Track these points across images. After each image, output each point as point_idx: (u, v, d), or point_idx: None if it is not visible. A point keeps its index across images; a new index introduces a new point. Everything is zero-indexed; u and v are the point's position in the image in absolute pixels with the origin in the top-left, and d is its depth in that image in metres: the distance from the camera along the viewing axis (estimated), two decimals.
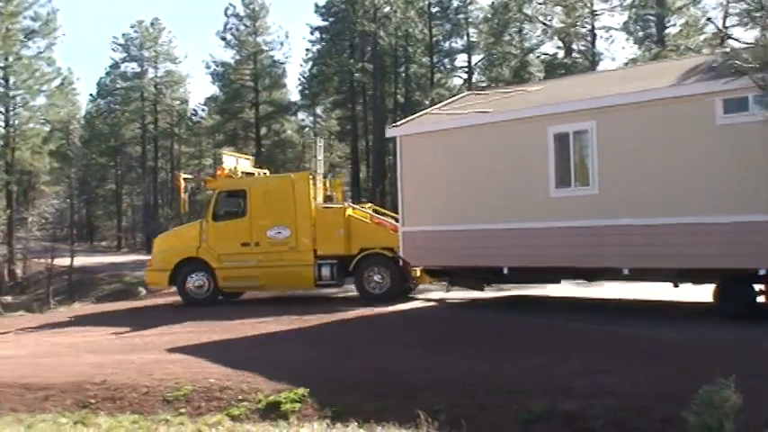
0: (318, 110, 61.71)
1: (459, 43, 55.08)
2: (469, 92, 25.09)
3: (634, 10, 45.55)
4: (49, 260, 39.74)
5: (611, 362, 10.81)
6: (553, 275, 17.42)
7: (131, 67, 63.88)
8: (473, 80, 53.40)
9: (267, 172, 24.97)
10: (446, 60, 55.95)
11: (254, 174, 23.12)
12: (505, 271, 16.62)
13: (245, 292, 22.44)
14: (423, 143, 18.07)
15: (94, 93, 65.17)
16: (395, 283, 20.20)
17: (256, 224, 20.88)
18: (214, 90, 62.96)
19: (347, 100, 56.22)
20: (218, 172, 22.11)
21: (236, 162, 22.73)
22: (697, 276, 14.64)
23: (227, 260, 20.90)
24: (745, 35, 33.83)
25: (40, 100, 52.59)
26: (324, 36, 56.29)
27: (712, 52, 16.71)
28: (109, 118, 64.18)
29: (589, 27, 48.30)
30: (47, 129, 54.05)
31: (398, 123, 19.92)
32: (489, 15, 52.37)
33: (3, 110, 50.38)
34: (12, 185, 48.49)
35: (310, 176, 21.33)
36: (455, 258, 17.47)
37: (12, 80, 50.37)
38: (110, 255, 57.56)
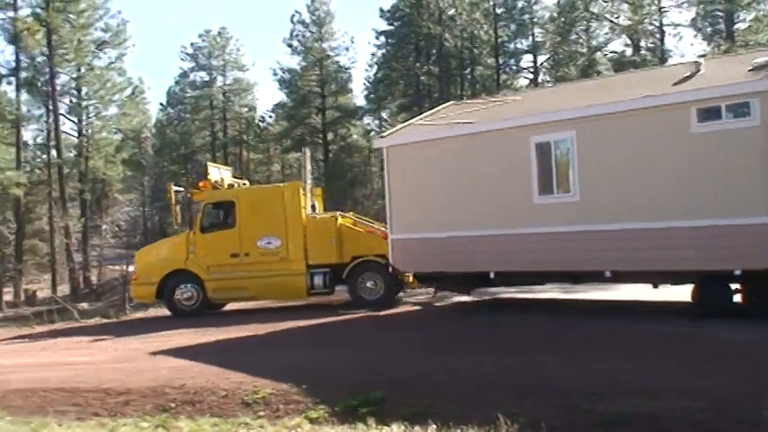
0: (384, 114, 61.85)
1: (524, 44, 54.86)
2: (451, 102, 25.35)
3: (702, 6, 44.81)
4: (124, 267, 40.40)
5: (680, 363, 10.66)
6: (538, 279, 18.15)
7: (200, 75, 64.87)
8: (539, 80, 52.96)
9: (247, 183, 24.93)
10: (512, 61, 55.68)
11: (233, 185, 23.09)
12: (492, 276, 17.33)
13: (227, 304, 22.45)
14: (409, 153, 18.75)
15: (165, 102, 66.25)
16: (388, 289, 20.52)
17: (246, 235, 20.92)
18: (281, 97, 63.63)
19: (413, 103, 56.18)
20: (201, 184, 22.18)
21: (220, 174, 22.82)
22: (676, 278, 15.24)
23: (217, 271, 20.94)
24: None
25: (112, 109, 53.96)
26: (389, 40, 56.40)
27: (693, 62, 16.95)
28: (179, 126, 65.20)
29: (657, 24, 47.56)
30: (119, 138, 55.07)
31: (385, 134, 20.60)
32: (555, 15, 51.97)
33: (76, 120, 51.56)
34: (86, 194, 49.58)
35: (301, 187, 21.42)
36: (443, 264, 18.11)
37: (84, 90, 51.58)
38: None
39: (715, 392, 8.96)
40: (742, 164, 13.59)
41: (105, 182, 52.79)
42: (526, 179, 16.46)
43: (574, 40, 52.28)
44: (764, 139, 13.37)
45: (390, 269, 19.50)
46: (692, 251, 14.08)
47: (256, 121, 67.32)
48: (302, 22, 59.40)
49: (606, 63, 49.35)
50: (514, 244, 16.58)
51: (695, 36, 49.77)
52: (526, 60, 55.50)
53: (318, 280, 20.73)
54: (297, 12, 59.42)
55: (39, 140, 53.69)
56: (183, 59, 64.72)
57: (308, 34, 59.47)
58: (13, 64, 47.65)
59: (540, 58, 54.56)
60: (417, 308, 20.10)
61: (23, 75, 47.90)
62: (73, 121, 51.76)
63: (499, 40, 53.34)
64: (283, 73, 60.63)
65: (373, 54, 58.14)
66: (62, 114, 49.50)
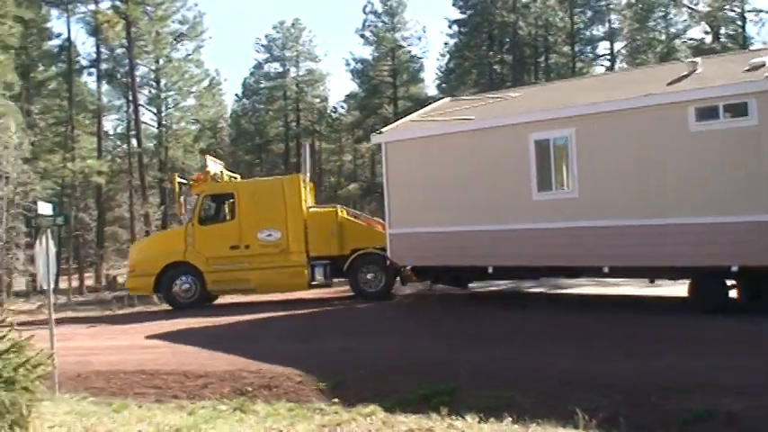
0: None
1: (600, 30, 53.83)
2: (447, 98, 25.43)
3: None
4: None
5: (752, 359, 10.49)
6: (534, 273, 18.37)
7: (274, 67, 65.28)
8: (615, 68, 52.12)
9: (238, 177, 24.86)
10: (587, 48, 54.81)
11: (234, 178, 23.33)
12: (490, 270, 17.48)
13: (219, 297, 22.52)
14: (408, 149, 18.97)
15: (240, 93, 66.91)
16: (389, 281, 20.69)
17: (246, 227, 21.02)
18: (353, 87, 63.77)
19: (486, 92, 55.70)
20: (198, 176, 22.52)
21: (220, 167, 22.95)
22: (673, 273, 15.48)
23: (216, 263, 20.98)
24: None
25: (190, 100, 54.77)
26: (462, 29, 56.03)
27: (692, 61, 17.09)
28: (254, 117, 65.83)
29: (738, 10, 46.33)
30: (196, 128, 55.98)
31: (383, 130, 20.67)
32: (633, 1, 50.93)
33: (155, 110, 52.56)
34: (165, 182, 50.54)
35: (302, 179, 21.52)
36: (442, 258, 18.32)
37: (163, 82, 52.47)
38: None
39: None
40: (740, 162, 13.75)
41: (183, 171, 53.65)
42: (525, 176, 16.64)
43: (652, 26, 51.24)
44: (762, 138, 13.55)
45: (388, 263, 19.73)
46: (689, 248, 14.29)
47: (328, 112, 67.63)
48: (374, 13, 59.44)
49: (685, 50, 48.18)
50: (513, 239, 16.77)
51: None
52: (602, 48, 54.60)
53: (319, 272, 20.93)
54: (369, 2, 59.41)
55: (119, 130, 55.02)
56: (257, 51, 65.15)
57: (381, 24, 59.45)
58: (95, 56, 48.99)
59: (617, 46, 53.60)
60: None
61: (104, 66, 49.11)
62: (152, 112, 52.81)
63: (575, 26, 52.55)
64: (355, 63, 60.76)
65: (446, 43, 57.90)
66: (142, 105, 50.55)
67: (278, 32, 64.31)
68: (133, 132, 50.23)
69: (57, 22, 49.08)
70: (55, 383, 10.89)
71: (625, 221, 15.09)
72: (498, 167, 17.14)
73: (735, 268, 13.85)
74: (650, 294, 17.45)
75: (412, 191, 18.67)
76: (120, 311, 23.06)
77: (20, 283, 36.86)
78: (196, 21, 52.25)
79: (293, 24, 64.40)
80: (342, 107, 67.76)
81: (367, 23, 59.39)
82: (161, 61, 51.39)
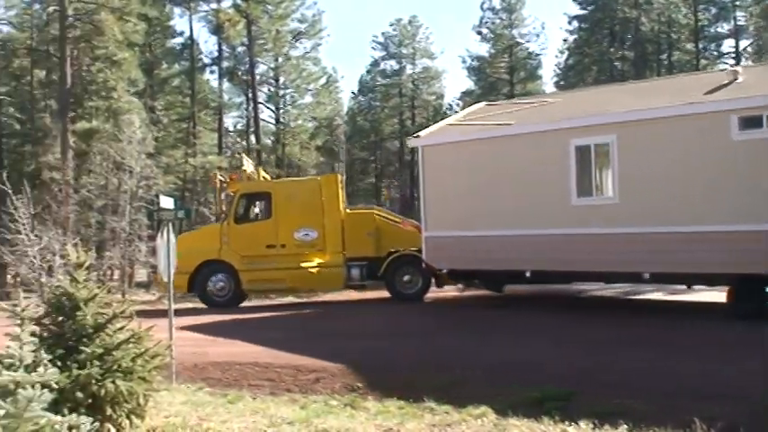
0: None
1: (725, 28, 51.93)
2: (483, 103, 25.18)
3: None
4: None
5: None
6: (571, 278, 18.75)
7: (390, 64, 65.53)
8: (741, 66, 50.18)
9: (267, 176, 24.67)
10: (712, 46, 52.96)
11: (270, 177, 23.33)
12: (528, 274, 17.65)
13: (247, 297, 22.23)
14: (445, 153, 19.26)
15: (356, 90, 67.40)
16: (426, 283, 20.58)
17: (282, 226, 20.89)
18: (469, 84, 63.38)
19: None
20: (231, 175, 22.45)
21: (254, 166, 22.79)
22: (711, 280, 15.66)
23: (252, 262, 20.71)
24: None
25: (307, 98, 55.56)
26: (582, 25, 55.06)
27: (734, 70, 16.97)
28: (369, 114, 66.28)
29: None
30: (313, 125, 56.71)
31: (419, 134, 20.82)
32: None
33: (274, 108, 53.55)
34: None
35: (339, 180, 21.44)
36: (478, 262, 18.52)
37: (281, 80, 53.40)
38: None
39: None
40: None
41: (300, 167, 54.44)
42: (564, 181, 16.78)
43: None
44: None
45: (424, 266, 19.67)
46: (728, 254, 14.27)
47: (444, 109, 67.48)
48: (492, 9, 58.98)
49: None
50: (552, 244, 16.82)
51: None
52: (727, 45, 52.74)
53: (355, 272, 20.87)
54: None
55: (239, 127, 56.21)
56: (374, 48, 65.53)
57: (498, 21, 58.97)
58: (216, 54, 50.30)
59: (743, 43, 51.69)
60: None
61: (225, 64, 50.34)
62: (271, 109, 53.82)
63: (699, 23, 50.92)
64: (472, 60, 60.50)
65: (565, 39, 57.04)
66: (261, 103, 51.53)
67: (395, 30, 64.51)
68: (252, 129, 51.26)
69: (179, 21, 50.80)
70: (172, 373, 11.14)
71: (666, 228, 15.20)
72: (537, 172, 17.27)
73: None
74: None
75: (448, 194, 18.91)
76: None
77: (141, 275, 38.07)
78: (315, 19, 52.96)
79: (410, 22, 64.47)
80: (457, 104, 67.51)
81: (484, 20, 59.06)
82: (280, 59, 52.26)
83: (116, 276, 34.81)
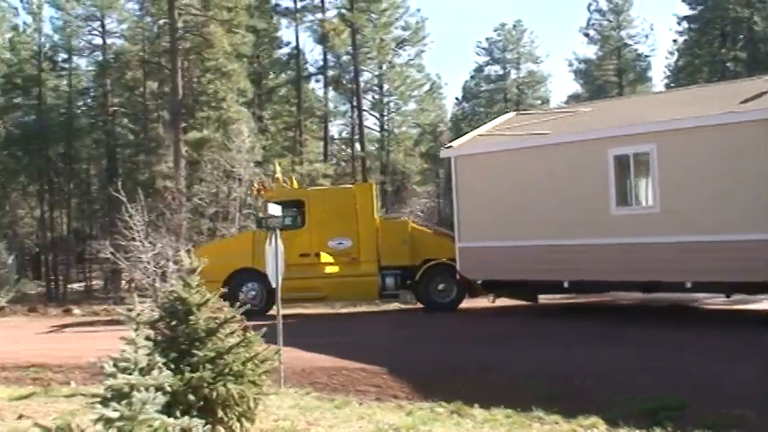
0: None
1: None
2: (512, 113, 24.98)
3: None
4: None
5: None
6: (609, 288, 18.62)
7: (495, 69, 65.17)
8: None
9: (296, 185, 24.11)
10: None
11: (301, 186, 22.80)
12: (566, 285, 17.61)
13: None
14: (478, 163, 19.30)
15: (459, 96, 67.21)
16: (460, 293, 20.24)
17: (316, 235, 20.53)
18: (576, 88, 62.51)
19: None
20: (262, 181, 22.29)
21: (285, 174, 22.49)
22: (752, 288, 15.58)
23: (285, 271, 20.09)
24: None
25: (411, 105, 55.65)
26: (692, 25, 53.54)
27: None
28: (473, 120, 66.04)
29: None
30: (417, 132, 56.85)
31: (452, 144, 20.82)
32: None
33: (378, 115, 53.89)
34: (386, 185, 51.62)
35: (373, 188, 21.23)
36: (514, 272, 18.48)
37: (385, 87, 53.71)
38: None
39: None
40: None
41: (404, 174, 54.59)
42: (603, 190, 16.78)
43: None
44: None
45: (458, 276, 19.48)
46: None
47: None
48: (599, 11, 58.06)
49: None
50: (591, 253, 16.84)
51: None
52: None
53: (390, 281, 20.56)
54: (594, 0, 58.28)
55: (344, 135, 56.70)
56: (478, 54, 65.25)
57: (606, 23, 58.03)
58: (321, 63, 50.79)
59: None
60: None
61: (330, 73, 50.82)
62: (375, 117, 54.16)
63: None
64: (579, 63, 59.74)
65: (674, 40, 55.60)
66: (365, 110, 51.88)
67: (499, 35, 64.14)
68: (357, 137, 51.66)
69: (286, 31, 51.27)
70: (281, 378, 11.30)
71: (709, 237, 15.15)
72: (575, 182, 17.30)
73: None
74: None
75: (482, 205, 18.90)
76: (343, 310, 23.59)
77: None
78: (418, 26, 53.02)
79: (514, 26, 63.98)
80: None
81: (591, 22, 58.26)
82: (384, 67, 52.55)
83: None
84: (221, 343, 7.59)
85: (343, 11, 48.54)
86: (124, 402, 5.45)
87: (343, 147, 56.23)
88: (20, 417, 9.31)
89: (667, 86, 55.59)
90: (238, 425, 7.40)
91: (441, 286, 20.65)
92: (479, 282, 19.73)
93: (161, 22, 43.15)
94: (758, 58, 50.16)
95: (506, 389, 11.10)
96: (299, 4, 49.05)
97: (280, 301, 12.95)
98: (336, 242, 20.90)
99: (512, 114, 24.71)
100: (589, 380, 11.22)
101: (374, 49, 50.37)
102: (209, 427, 6.47)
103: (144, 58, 45.79)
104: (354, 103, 50.85)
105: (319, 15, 48.87)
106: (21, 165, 47.44)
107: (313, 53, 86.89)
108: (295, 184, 23.80)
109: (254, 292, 20.86)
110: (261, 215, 22.84)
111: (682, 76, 53.99)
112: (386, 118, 54.34)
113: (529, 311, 20.11)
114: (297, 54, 49.69)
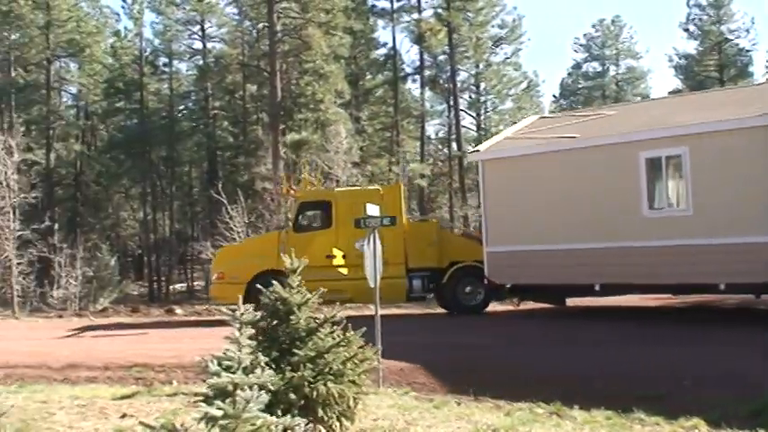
0: None
1: None
2: (537, 116, 24.85)
3: None
4: None
5: None
6: (641, 290, 18.29)
7: (593, 66, 64.33)
8: None
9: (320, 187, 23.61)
10: None
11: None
12: (597, 288, 17.51)
13: None
14: (506, 167, 19.24)
15: (557, 94, 66.51)
16: (488, 295, 19.92)
17: (343, 236, 19.83)
18: (677, 83, 61.08)
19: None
20: (288, 178, 21.54)
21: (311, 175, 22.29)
22: None
23: (311, 272, 19.32)
24: None
25: (508, 104, 55.38)
26: None
27: None
28: None
29: None
30: None
31: (479, 148, 21.02)
32: None
33: (475, 114, 53.74)
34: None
35: (401, 189, 20.79)
36: (543, 276, 18.45)
37: (482, 86, 53.59)
38: None
39: None
40: None
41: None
42: (635, 193, 16.78)
43: None
44: None
45: (486, 281, 19.27)
46: None
47: None
48: (699, 6, 56.69)
49: None
50: (622, 257, 16.75)
51: None
52: None
53: (418, 283, 20.26)
54: None
55: (440, 135, 56.73)
56: (575, 51, 64.52)
57: (706, 17, 56.63)
58: (418, 63, 50.91)
59: None
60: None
61: (427, 73, 50.91)
62: (471, 116, 54.05)
63: None
64: (679, 59, 58.55)
65: None
66: (462, 110, 51.81)
67: (597, 31, 63.28)
68: (453, 136, 51.59)
69: (383, 32, 51.52)
70: (379, 377, 11.38)
71: (741, 239, 15.11)
72: (605, 185, 17.28)
73: None
74: None
75: (510, 209, 18.80)
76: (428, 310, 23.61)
77: None
78: (515, 24, 52.74)
79: (613, 22, 63.03)
80: None
81: (691, 17, 57.00)
82: (481, 66, 52.45)
83: None
84: (321, 342, 7.70)
85: (440, 10, 48.65)
86: (228, 401, 5.58)
87: (440, 146, 56.24)
88: (123, 415, 9.56)
89: None
90: (338, 424, 7.50)
91: (468, 289, 20.53)
92: (508, 286, 19.55)
93: (260, 25, 43.97)
94: None
95: (602, 390, 10.95)
96: (396, 5, 49.43)
97: (378, 303, 12.98)
98: (363, 244, 20.84)
99: (535, 117, 24.76)
100: (686, 381, 10.98)
101: (471, 48, 50.27)
102: (310, 426, 6.58)
103: (243, 62, 46.74)
104: (451, 103, 50.85)
105: (416, 15, 49.07)
106: (123, 168, 48.96)
107: (409, 53, 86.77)
108: (321, 185, 23.68)
109: None
110: (290, 215, 23.26)
111: None
112: (482, 117, 54.20)
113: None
114: (393, 54, 49.92)
